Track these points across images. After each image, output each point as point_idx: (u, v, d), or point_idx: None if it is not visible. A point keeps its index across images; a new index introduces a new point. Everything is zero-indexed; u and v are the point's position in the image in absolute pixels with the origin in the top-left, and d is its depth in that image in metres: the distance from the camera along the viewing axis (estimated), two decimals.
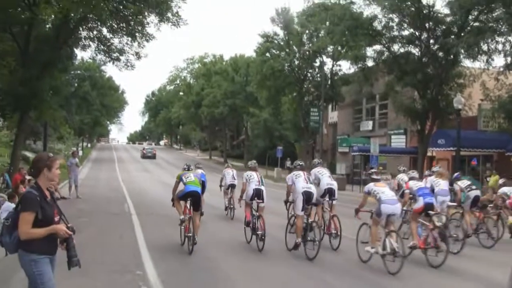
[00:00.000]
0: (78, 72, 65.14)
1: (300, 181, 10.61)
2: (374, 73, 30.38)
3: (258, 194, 11.54)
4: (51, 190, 4.95)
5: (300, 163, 11.55)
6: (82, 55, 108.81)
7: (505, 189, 13.97)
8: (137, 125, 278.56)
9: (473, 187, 13.33)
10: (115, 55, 24.87)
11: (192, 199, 10.74)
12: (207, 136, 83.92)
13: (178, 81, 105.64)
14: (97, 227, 13.76)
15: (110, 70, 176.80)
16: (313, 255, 9.93)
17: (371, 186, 10.08)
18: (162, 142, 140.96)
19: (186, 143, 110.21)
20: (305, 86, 45.81)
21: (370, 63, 30.69)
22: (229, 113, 64.51)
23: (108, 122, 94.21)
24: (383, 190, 9.84)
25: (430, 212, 10.24)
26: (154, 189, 22.07)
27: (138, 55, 24.74)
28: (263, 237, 10.68)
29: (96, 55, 25.79)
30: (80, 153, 57.23)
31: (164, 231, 13.42)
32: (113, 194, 24.58)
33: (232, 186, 16.56)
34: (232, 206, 16.39)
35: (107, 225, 14.34)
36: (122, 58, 24.99)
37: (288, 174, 11.82)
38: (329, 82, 43.15)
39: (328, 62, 44.41)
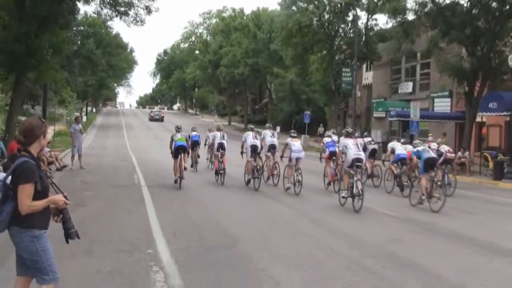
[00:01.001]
0: (81, 28, 65.39)
1: (249, 138, 17.43)
2: (415, 27, 29.64)
3: (221, 146, 18.44)
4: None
5: (251, 126, 19.55)
6: (86, 9, 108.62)
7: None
8: (147, 88, 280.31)
9: (372, 142, 20.67)
10: (122, 9, 24.80)
11: (181, 150, 16.98)
12: (226, 99, 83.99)
13: (193, 38, 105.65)
14: (103, 201, 13.90)
15: (117, 26, 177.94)
16: (257, 187, 16.55)
17: (288, 140, 16.98)
18: (175, 107, 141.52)
19: (202, 107, 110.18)
20: (336, 43, 45.27)
21: (410, 16, 29.98)
22: (251, 73, 64.37)
23: (115, 84, 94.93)
24: (294, 143, 16.65)
25: (334, 157, 16.72)
26: (165, 158, 22.00)
27: (148, 9, 24.63)
28: (224, 173, 17.79)
29: (101, 9, 25.72)
30: (84, 118, 57.84)
31: (177, 205, 13.49)
32: (121, 163, 24.81)
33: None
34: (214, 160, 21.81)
35: (115, 199, 14.43)
36: (131, 12, 24.95)
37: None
38: (363, 39, 42.60)
39: (363, 15, 43.82)
